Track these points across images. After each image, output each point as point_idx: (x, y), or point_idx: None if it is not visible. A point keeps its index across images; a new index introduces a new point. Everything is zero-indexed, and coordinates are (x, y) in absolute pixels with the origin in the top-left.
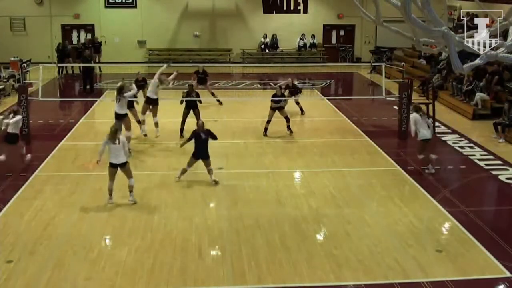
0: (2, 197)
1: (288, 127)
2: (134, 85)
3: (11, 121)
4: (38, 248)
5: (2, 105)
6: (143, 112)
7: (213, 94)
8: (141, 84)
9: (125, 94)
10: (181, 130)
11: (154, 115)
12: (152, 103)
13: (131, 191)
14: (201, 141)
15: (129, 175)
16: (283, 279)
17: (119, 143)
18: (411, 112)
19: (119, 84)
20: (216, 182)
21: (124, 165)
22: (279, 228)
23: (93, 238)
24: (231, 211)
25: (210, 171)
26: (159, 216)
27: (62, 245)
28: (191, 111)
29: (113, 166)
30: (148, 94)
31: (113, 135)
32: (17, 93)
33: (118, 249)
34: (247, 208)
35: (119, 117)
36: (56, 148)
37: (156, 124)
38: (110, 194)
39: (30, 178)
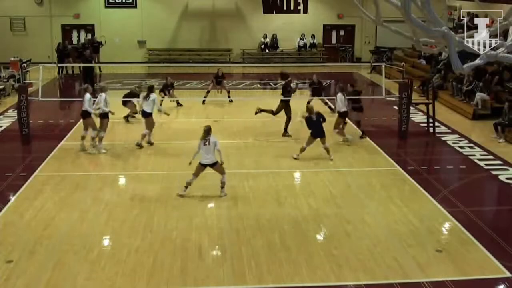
0: (2, 197)
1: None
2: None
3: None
4: (38, 248)
5: (2, 105)
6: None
7: (228, 92)
8: (169, 88)
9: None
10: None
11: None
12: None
13: (222, 187)
14: (313, 123)
15: (221, 172)
16: (283, 279)
17: (209, 144)
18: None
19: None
20: (328, 152)
21: (214, 165)
22: (279, 228)
23: (93, 238)
24: (231, 211)
25: (326, 149)
26: (159, 216)
27: (62, 245)
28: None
29: (203, 165)
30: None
31: (205, 134)
32: (17, 93)
33: (118, 249)
34: (247, 208)
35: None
36: (56, 148)
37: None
38: (186, 187)
39: (30, 178)
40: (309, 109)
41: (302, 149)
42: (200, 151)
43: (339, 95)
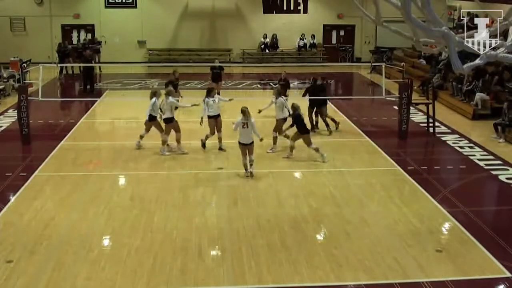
0: (2, 197)
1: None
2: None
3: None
4: (38, 248)
5: (2, 105)
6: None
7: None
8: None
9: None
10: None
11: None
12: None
13: (251, 164)
14: (302, 120)
15: (251, 152)
16: (283, 279)
17: (247, 127)
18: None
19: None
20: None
21: (250, 144)
22: (279, 228)
23: (93, 238)
24: (231, 211)
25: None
26: (159, 216)
27: (62, 245)
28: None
29: (243, 145)
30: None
31: (244, 115)
32: (17, 93)
33: (118, 249)
34: (247, 208)
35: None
36: (56, 148)
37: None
38: (246, 169)
39: (30, 178)
40: (295, 108)
41: (292, 148)
42: (240, 133)
43: (280, 99)
